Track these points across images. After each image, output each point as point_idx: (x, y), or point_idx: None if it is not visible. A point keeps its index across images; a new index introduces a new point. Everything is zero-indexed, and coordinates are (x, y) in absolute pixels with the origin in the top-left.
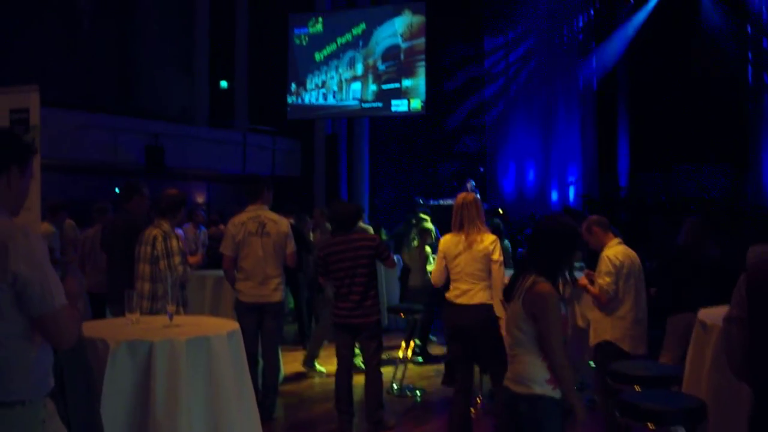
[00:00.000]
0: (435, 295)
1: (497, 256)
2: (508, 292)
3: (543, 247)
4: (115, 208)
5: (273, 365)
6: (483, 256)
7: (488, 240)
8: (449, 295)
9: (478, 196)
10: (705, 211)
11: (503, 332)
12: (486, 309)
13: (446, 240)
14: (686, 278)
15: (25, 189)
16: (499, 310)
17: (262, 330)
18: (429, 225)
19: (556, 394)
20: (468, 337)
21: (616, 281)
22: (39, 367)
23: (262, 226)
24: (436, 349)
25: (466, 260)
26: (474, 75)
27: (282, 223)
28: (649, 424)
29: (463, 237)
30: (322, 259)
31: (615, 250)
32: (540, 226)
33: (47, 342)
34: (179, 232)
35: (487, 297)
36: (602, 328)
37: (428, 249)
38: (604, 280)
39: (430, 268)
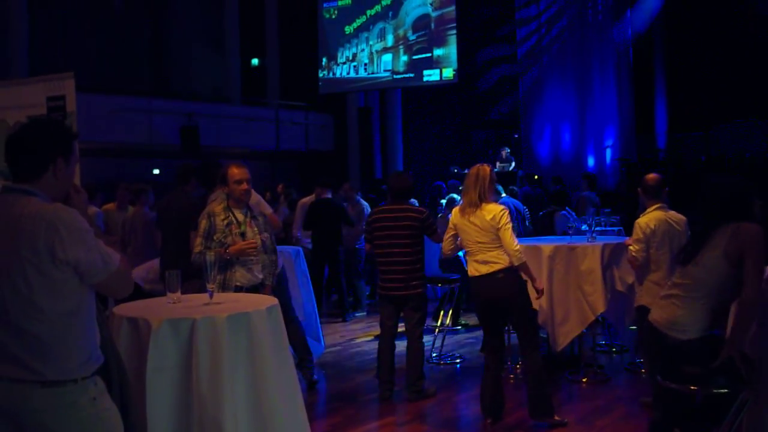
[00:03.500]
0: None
1: (504, 222)
2: (688, 255)
3: (725, 199)
4: (168, 190)
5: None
6: (491, 226)
7: (496, 209)
8: (471, 271)
9: (514, 163)
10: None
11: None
12: (512, 273)
13: (456, 212)
14: None
15: (71, 176)
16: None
17: None
18: (454, 195)
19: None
20: (499, 308)
21: (646, 249)
22: (87, 344)
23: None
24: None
25: (477, 230)
26: (506, 40)
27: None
28: (691, 386)
29: (473, 208)
30: (369, 225)
31: (649, 217)
32: (713, 184)
33: (108, 295)
34: None
35: (507, 260)
36: (639, 293)
37: None
38: (633, 247)
39: None
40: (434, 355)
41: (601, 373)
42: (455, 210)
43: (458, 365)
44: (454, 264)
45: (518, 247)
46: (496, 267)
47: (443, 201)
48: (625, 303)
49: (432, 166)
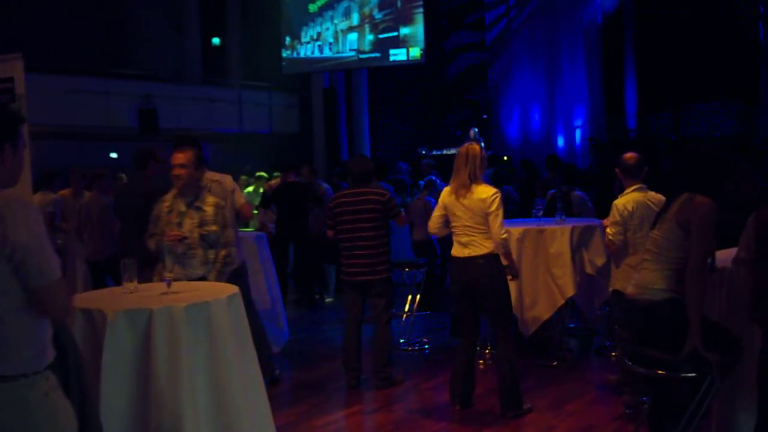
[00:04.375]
0: (439, 248)
1: (495, 207)
2: (654, 221)
3: (695, 170)
4: (129, 174)
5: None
6: (481, 209)
7: (488, 192)
8: (453, 251)
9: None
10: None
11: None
12: (493, 260)
13: (447, 192)
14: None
15: (20, 162)
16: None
17: None
18: (432, 177)
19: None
20: (476, 294)
21: (623, 231)
22: (39, 339)
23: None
24: None
25: (466, 213)
26: (474, 19)
27: (225, 181)
28: (658, 371)
29: (464, 189)
30: (331, 210)
31: (626, 198)
32: (690, 151)
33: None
34: None
35: (491, 246)
36: (615, 276)
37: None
38: (609, 230)
39: None
40: (402, 341)
41: (571, 356)
42: (445, 190)
43: (426, 351)
44: (427, 248)
45: (505, 235)
46: (478, 252)
47: (421, 182)
48: (594, 286)
49: (399, 148)
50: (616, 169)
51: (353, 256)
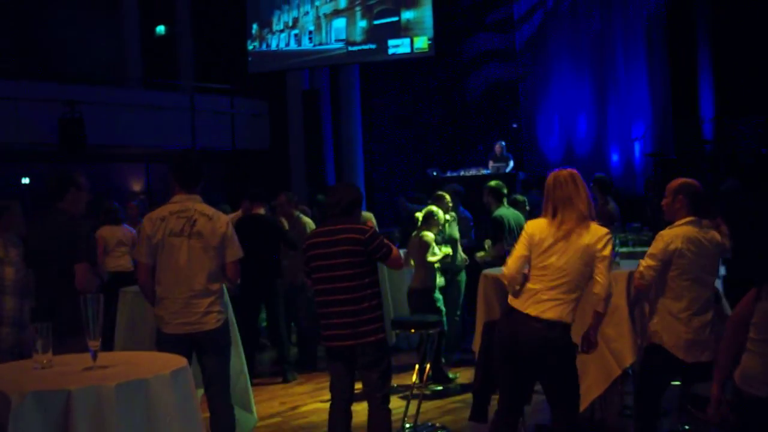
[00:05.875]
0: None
1: (607, 252)
2: None
3: None
4: (42, 207)
5: (224, 418)
6: (586, 253)
7: (598, 233)
8: (516, 301)
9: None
10: None
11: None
12: (562, 328)
13: (536, 225)
14: None
15: None
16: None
17: (202, 371)
18: (433, 207)
19: None
20: (530, 358)
21: (660, 270)
22: None
23: (191, 224)
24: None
25: (561, 255)
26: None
27: (220, 221)
28: None
29: (556, 225)
30: (305, 253)
31: (675, 232)
32: None
33: None
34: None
35: (567, 315)
36: (655, 326)
37: (429, 236)
38: (644, 262)
39: (432, 258)
40: (408, 426)
41: None
42: (538, 221)
43: None
44: (426, 300)
45: (612, 291)
46: (552, 315)
47: (418, 215)
48: None
49: (404, 167)
50: (681, 196)
51: (330, 314)
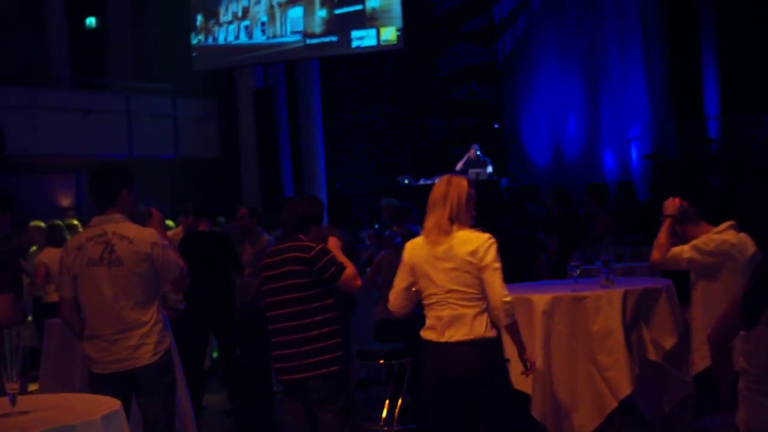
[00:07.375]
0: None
1: (491, 258)
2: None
3: None
4: None
5: None
6: (470, 264)
7: (478, 240)
8: (425, 332)
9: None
10: None
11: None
12: (487, 345)
13: (414, 246)
14: None
15: None
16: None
17: (142, 415)
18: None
19: None
20: (461, 394)
21: (701, 264)
22: None
23: (110, 250)
24: None
25: (445, 273)
26: None
27: (142, 241)
28: None
29: (442, 236)
30: (258, 275)
31: (725, 236)
32: None
33: None
34: None
35: (483, 327)
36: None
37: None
38: (688, 248)
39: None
40: None
41: None
42: (411, 243)
43: None
44: (398, 328)
45: (509, 298)
46: (465, 334)
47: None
48: (662, 378)
49: (371, 174)
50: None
51: (277, 344)
